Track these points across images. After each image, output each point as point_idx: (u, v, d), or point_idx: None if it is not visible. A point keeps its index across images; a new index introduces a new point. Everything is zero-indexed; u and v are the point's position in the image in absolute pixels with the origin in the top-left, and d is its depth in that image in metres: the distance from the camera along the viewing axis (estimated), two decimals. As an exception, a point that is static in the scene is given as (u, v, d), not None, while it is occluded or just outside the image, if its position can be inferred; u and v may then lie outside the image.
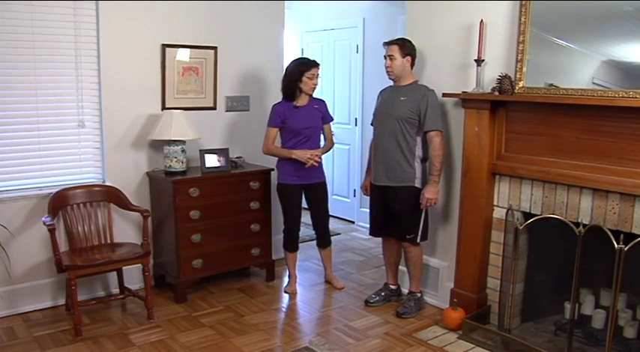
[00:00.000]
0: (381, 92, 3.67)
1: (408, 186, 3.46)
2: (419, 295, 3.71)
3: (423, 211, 3.51)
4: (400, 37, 3.59)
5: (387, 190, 3.53)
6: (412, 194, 3.47)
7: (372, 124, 3.71)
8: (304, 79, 3.70)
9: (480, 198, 3.32)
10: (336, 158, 5.97)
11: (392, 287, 3.85)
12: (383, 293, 3.83)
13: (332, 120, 4.02)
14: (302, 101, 3.79)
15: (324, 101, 3.96)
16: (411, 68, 3.49)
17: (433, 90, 3.42)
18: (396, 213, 3.53)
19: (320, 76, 3.82)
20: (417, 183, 3.47)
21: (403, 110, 3.41)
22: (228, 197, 3.93)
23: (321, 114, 3.86)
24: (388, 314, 3.64)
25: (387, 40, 3.53)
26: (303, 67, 3.71)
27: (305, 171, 3.79)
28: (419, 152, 3.47)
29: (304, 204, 3.97)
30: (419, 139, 3.46)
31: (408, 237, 3.54)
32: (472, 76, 3.30)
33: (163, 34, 3.92)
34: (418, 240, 3.55)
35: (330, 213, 4.26)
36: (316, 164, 3.77)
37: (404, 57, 3.43)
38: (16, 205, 3.51)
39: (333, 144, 4.02)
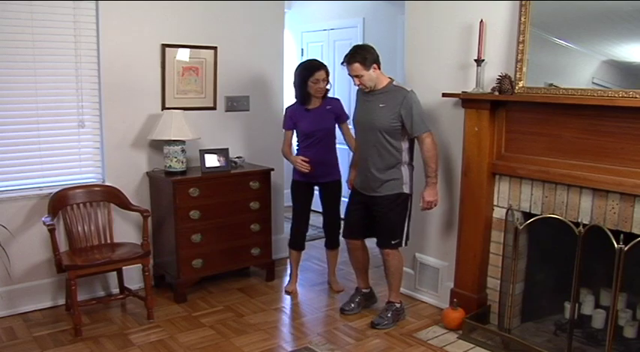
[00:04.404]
0: (360, 91, 3.37)
1: (395, 193, 3.31)
2: (398, 305, 3.51)
3: (407, 215, 3.39)
4: (356, 46, 3.28)
5: (372, 197, 3.37)
6: (399, 198, 3.32)
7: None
8: (309, 83, 3.66)
9: (480, 198, 3.32)
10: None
11: (364, 290, 3.72)
12: (357, 300, 3.67)
13: (348, 118, 3.87)
14: (314, 104, 3.75)
15: (338, 100, 3.89)
16: (380, 69, 3.26)
17: (411, 90, 3.25)
18: (380, 217, 3.37)
19: (327, 78, 3.69)
20: (406, 189, 3.32)
21: (384, 119, 3.22)
22: (228, 197, 3.93)
23: (334, 114, 3.79)
24: (388, 314, 3.64)
25: (344, 59, 3.24)
26: (306, 72, 3.66)
27: (318, 170, 3.75)
28: (406, 158, 3.31)
29: (314, 207, 3.95)
30: (404, 145, 3.29)
31: (393, 242, 3.36)
32: (472, 76, 3.30)
33: (163, 34, 3.92)
34: (403, 245, 3.42)
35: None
36: (306, 169, 3.71)
37: (369, 69, 3.19)
38: (16, 205, 3.51)
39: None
